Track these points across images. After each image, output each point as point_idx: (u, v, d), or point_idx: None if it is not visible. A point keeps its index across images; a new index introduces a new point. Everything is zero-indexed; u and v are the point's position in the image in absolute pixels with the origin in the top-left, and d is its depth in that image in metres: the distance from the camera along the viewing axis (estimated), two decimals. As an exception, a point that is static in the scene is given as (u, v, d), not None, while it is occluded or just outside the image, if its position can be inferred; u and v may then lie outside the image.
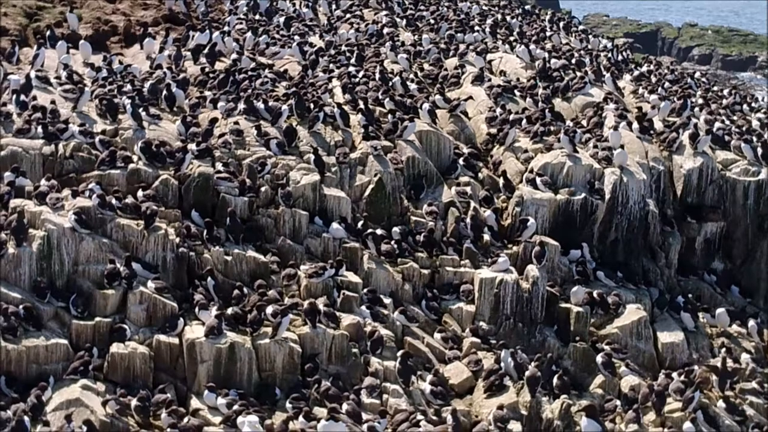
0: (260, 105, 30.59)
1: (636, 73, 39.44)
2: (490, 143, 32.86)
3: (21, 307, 23.59)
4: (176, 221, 26.56)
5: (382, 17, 42.10)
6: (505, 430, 24.06)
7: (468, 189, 30.36)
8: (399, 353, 25.36)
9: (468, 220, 29.40)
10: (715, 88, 44.39)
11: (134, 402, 22.64)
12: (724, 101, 39.65)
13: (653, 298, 29.77)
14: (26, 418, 21.30)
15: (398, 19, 42.20)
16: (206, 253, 26.37)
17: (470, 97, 34.38)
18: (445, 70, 36.72)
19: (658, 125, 33.98)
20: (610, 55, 41.18)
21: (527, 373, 25.43)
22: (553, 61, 37.72)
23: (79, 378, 23.05)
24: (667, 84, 38.32)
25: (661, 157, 32.60)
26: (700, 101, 37.55)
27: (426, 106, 32.16)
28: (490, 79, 36.01)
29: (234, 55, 34.77)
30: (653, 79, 38.96)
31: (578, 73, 36.77)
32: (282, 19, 40.08)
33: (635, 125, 33.19)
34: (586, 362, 27.13)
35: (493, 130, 33.01)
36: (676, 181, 32.53)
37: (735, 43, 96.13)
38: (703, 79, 48.93)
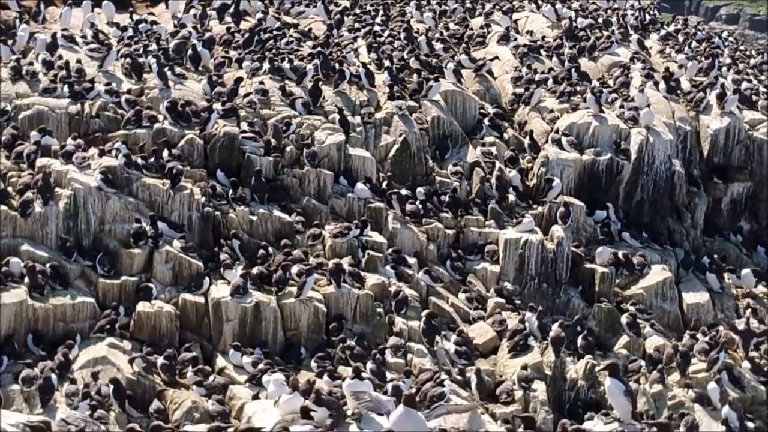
0: (285, 65, 30.52)
1: (663, 32, 39.12)
2: (515, 103, 32.72)
3: (48, 265, 23.71)
4: (202, 181, 26.61)
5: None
6: (529, 390, 24.13)
7: (493, 149, 30.30)
8: (423, 313, 25.33)
9: (493, 180, 29.32)
10: (743, 48, 43.99)
11: (161, 360, 22.74)
12: (752, 61, 39.30)
13: (678, 259, 29.67)
14: (53, 376, 21.39)
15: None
16: (231, 212, 26.44)
17: (496, 57, 34.24)
18: (471, 29, 36.56)
19: (685, 85, 33.74)
20: (637, 14, 40.85)
21: (551, 334, 25.44)
22: (579, 20, 37.48)
23: (106, 336, 23.15)
24: (694, 43, 38.00)
25: (687, 117, 32.37)
26: (728, 61, 37.25)
27: (451, 65, 32.03)
28: (516, 39, 35.85)
29: (259, 15, 34.73)
30: (680, 39, 38.64)
31: (605, 33, 36.52)
32: (307, -21, 39.96)
33: (662, 85, 32.94)
34: (611, 323, 27.09)
35: (519, 90, 32.88)
36: (703, 141, 32.31)
37: (763, 2, 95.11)
38: (731, 39, 48.52)
